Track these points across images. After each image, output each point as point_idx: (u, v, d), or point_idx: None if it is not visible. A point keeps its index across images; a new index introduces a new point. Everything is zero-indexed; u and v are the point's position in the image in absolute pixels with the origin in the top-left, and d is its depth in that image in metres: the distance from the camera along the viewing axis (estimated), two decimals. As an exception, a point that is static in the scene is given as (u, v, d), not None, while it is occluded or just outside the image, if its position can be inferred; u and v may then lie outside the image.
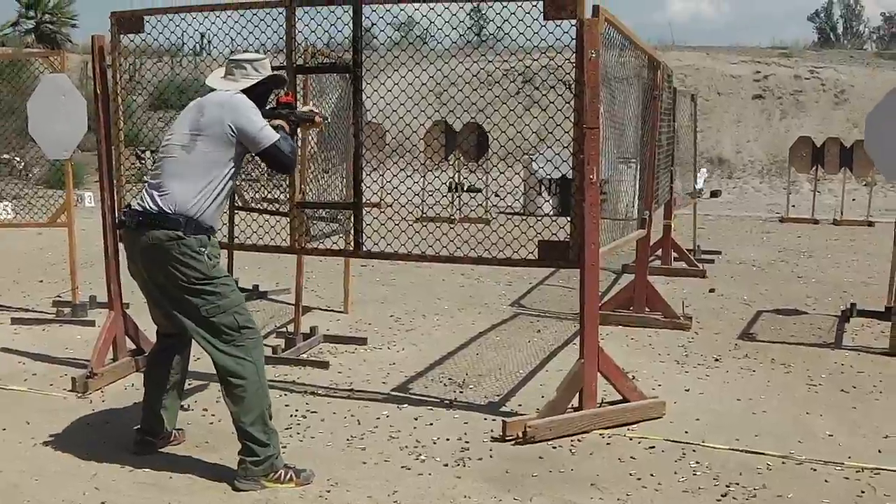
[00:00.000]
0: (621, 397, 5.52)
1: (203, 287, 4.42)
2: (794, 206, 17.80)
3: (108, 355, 6.41)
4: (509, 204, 15.49)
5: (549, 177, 15.65)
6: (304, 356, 6.91)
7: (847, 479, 4.70)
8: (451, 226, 6.23)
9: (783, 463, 4.90)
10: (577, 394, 5.35)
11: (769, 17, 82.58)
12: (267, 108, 4.86)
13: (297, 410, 5.74)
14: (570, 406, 5.36)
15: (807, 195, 17.94)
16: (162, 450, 4.97)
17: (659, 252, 11.29)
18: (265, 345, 7.00)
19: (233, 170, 4.53)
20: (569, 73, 5.17)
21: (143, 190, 4.62)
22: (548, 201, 16.42)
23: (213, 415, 5.51)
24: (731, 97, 23.63)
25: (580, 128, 5.08)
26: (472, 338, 7.65)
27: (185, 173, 4.44)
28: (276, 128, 4.62)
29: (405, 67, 5.67)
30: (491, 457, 4.97)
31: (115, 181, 6.31)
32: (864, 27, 55.16)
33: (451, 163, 15.92)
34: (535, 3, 5.11)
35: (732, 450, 5.07)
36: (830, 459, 4.93)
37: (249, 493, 4.41)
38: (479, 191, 16.35)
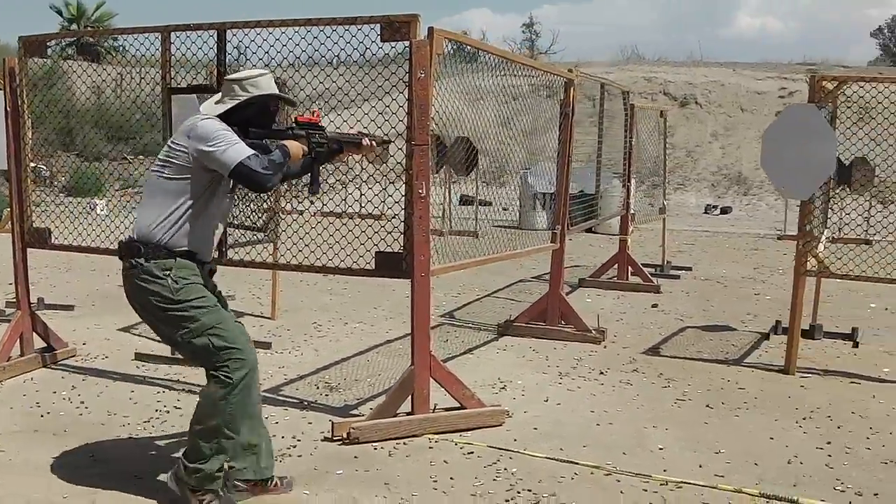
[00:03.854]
0: (459, 404, 5.71)
1: (171, 313, 4.31)
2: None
3: (14, 351, 6.85)
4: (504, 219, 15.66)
5: (543, 191, 15.78)
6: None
7: (645, 490, 4.83)
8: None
9: (591, 473, 5.05)
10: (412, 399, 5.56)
11: (838, 32, 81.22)
12: (283, 127, 4.67)
13: (164, 406, 6.08)
14: (404, 411, 5.57)
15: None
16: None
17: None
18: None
19: (205, 195, 4.37)
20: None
21: None
22: (542, 215, 16.55)
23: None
24: (754, 114, 23.52)
25: (409, 144, 5.30)
26: (375, 345, 7.89)
27: (151, 201, 4.39)
28: (275, 147, 4.40)
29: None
30: (311, 455, 5.21)
31: (22, 193, 6.70)
32: (931, 42, 54.13)
33: (441, 176, 16.10)
34: (373, 26, 5.36)
35: (549, 458, 5.24)
36: (643, 472, 5.05)
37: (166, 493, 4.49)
38: (490, 204, 16.58)
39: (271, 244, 7.81)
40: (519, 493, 4.74)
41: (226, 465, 4.38)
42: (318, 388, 6.59)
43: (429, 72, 5.26)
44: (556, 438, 5.58)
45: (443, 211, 16.01)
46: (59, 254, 8.59)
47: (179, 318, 4.30)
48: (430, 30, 5.33)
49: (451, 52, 6.24)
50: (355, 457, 5.18)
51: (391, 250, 5.59)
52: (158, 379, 6.70)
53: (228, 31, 5.76)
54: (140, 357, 7.17)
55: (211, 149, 4.23)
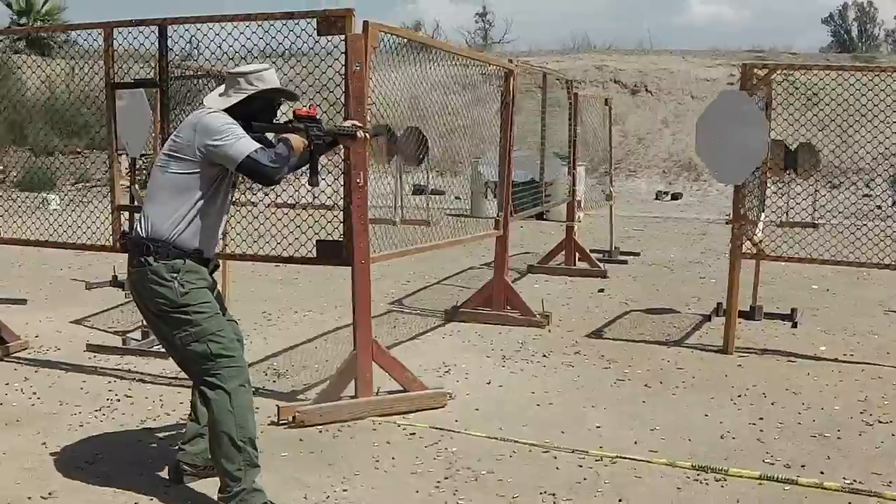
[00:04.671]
0: (402, 388, 5.88)
1: (175, 315, 4.27)
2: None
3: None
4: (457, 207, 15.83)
5: (493, 180, 15.92)
6: (155, 348, 7.28)
7: (580, 466, 5.01)
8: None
9: (530, 451, 5.23)
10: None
11: (790, 19, 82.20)
12: (282, 122, 4.65)
13: (115, 395, 6.19)
14: (349, 395, 5.73)
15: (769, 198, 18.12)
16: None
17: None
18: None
19: (212, 190, 4.33)
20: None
21: None
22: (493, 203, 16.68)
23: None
24: (704, 101, 23.74)
25: (347, 135, 5.43)
26: (324, 332, 8.01)
27: (158, 196, 4.32)
28: (278, 141, 4.42)
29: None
30: (257, 438, 5.32)
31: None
32: (879, 30, 55.06)
33: (393, 166, 16.23)
34: (310, 20, 5.49)
35: (489, 437, 5.41)
36: (580, 448, 5.24)
37: None
38: (443, 193, 16.77)
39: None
40: (458, 470, 4.91)
41: (258, 481, 4.36)
42: (266, 374, 6.72)
43: (364, 64, 5.40)
44: (497, 419, 5.76)
45: (394, 200, 16.21)
46: (10, 249, 8.64)
47: (181, 321, 4.26)
48: (365, 24, 5.47)
49: (405, 42, 6.38)
50: (300, 439, 5.33)
51: (331, 238, 5.72)
52: (109, 369, 6.80)
53: (170, 27, 5.85)
54: (92, 348, 7.26)
55: (218, 143, 4.19)
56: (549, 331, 8.23)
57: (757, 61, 23.91)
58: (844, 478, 4.87)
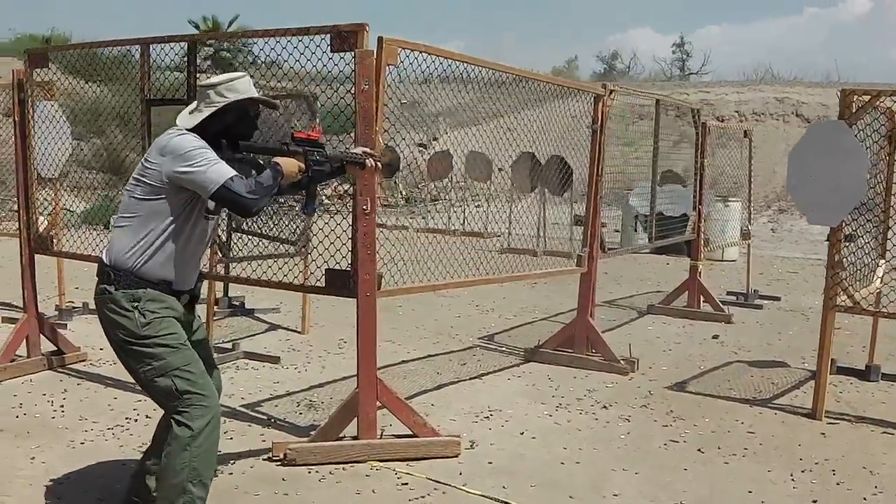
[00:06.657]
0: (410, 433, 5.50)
1: (135, 348, 4.00)
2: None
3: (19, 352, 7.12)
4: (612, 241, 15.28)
5: (643, 212, 15.28)
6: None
7: (568, 538, 4.51)
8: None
9: (518, 514, 4.76)
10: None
11: None
12: (277, 144, 4.36)
13: (137, 413, 6.19)
14: (352, 435, 5.41)
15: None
16: None
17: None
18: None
19: (182, 217, 4.03)
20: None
21: None
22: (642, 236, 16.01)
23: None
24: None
25: (355, 160, 5.13)
26: (386, 364, 7.65)
27: (124, 222, 4.05)
28: (267, 164, 4.14)
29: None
30: (243, 474, 5.11)
31: (30, 203, 6.91)
32: None
33: (535, 195, 15.89)
34: (323, 37, 5.23)
35: (484, 496, 4.93)
36: (581, 517, 4.73)
37: None
38: (604, 226, 16.30)
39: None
40: (429, 531, 4.50)
41: None
42: (297, 405, 6.48)
43: (377, 83, 5.08)
44: (507, 475, 5.28)
45: (537, 230, 15.83)
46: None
47: (143, 355, 3.98)
48: (380, 39, 5.15)
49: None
50: (283, 479, 5.05)
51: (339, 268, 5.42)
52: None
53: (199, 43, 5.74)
54: (145, 363, 7.20)
55: (189, 169, 3.87)
56: (631, 378, 7.63)
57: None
58: (881, 583, 4.16)
